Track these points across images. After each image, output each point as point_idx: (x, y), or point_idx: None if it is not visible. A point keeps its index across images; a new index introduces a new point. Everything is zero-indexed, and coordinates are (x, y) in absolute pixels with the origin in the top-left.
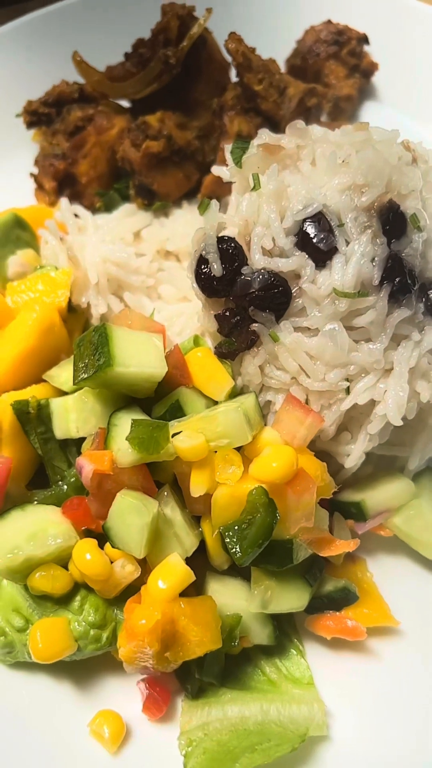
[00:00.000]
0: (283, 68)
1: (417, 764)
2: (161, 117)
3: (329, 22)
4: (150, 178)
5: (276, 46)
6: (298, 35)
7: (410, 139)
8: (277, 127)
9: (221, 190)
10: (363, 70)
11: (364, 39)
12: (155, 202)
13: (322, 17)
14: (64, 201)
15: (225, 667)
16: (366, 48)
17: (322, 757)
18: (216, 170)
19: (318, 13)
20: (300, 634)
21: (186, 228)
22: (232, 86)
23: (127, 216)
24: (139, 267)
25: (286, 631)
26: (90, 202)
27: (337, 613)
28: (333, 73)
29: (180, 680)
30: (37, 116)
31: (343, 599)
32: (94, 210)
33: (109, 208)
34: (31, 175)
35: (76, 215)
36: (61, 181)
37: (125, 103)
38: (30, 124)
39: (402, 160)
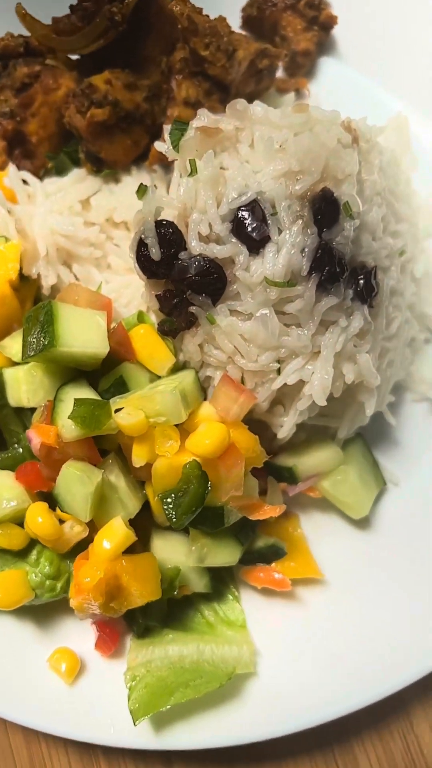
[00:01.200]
0: (238, 18)
1: (332, 696)
2: (108, 78)
3: None
4: (97, 146)
5: None
6: None
7: (366, 98)
8: (227, 91)
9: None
10: (321, 23)
11: None
12: (104, 169)
13: None
14: (12, 167)
15: (170, 610)
16: None
17: (249, 691)
18: (158, 146)
19: None
20: (237, 582)
21: (133, 198)
22: (181, 45)
23: (77, 182)
24: (88, 237)
25: (224, 579)
26: (42, 162)
27: (267, 566)
28: (290, 26)
29: (128, 622)
30: None
31: (273, 554)
32: (46, 171)
33: (60, 171)
34: None
35: (24, 181)
36: (10, 140)
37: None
38: None
39: (341, 143)
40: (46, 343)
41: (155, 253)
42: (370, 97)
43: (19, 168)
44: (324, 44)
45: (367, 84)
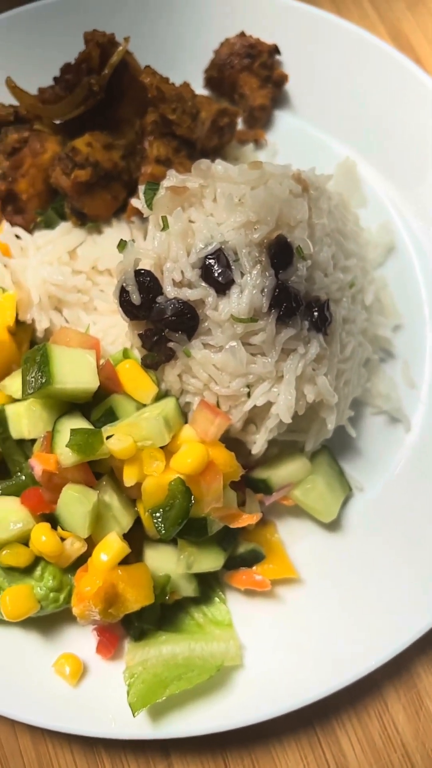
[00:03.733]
0: (201, 79)
1: (311, 681)
2: (89, 140)
3: (242, 34)
4: (80, 202)
5: (197, 57)
6: (216, 45)
7: (317, 145)
8: (193, 147)
9: None
10: (275, 81)
11: (274, 50)
12: (87, 222)
13: (236, 28)
14: (6, 225)
15: (163, 614)
16: (278, 58)
17: (237, 681)
18: (135, 203)
19: (233, 24)
20: (223, 586)
21: (115, 248)
22: (152, 110)
23: (64, 234)
24: (75, 285)
25: (211, 584)
26: (32, 217)
27: (249, 569)
28: (247, 84)
29: (125, 627)
30: None
31: (253, 558)
32: (35, 225)
33: (48, 224)
34: None
35: (17, 236)
36: (3, 198)
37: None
38: None
39: (292, 193)
40: (44, 381)
41: (136, 298)
42: (321, 144)
43: (12, 223)
44: (278, 99)
45: (317, 132)
